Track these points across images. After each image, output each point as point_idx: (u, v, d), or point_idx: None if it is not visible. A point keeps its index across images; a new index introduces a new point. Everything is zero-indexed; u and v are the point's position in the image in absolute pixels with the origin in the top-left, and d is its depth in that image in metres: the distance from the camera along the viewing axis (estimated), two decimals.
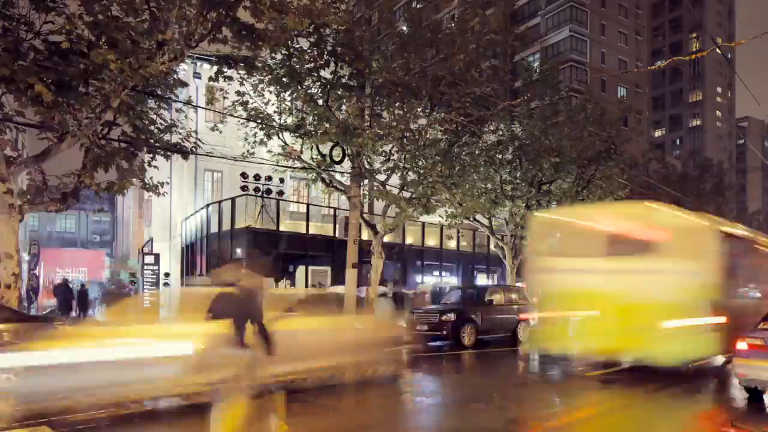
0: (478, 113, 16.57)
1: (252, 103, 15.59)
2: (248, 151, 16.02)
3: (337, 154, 16.09)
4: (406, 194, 16.75)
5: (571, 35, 49.64)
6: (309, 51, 14.68)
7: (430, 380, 10.83)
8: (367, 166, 16.77)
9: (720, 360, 10.77)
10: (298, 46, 14.59)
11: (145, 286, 20.58)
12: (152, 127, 12.17)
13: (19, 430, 5.94)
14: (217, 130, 16.57)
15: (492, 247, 24.63)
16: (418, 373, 11.01)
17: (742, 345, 7.55)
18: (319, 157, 16.22)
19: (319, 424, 6.83)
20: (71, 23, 9.44)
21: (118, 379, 6.45)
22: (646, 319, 8.78)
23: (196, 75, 24.35)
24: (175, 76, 12.37)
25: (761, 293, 11.57)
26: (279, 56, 14.48)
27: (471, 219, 21.42)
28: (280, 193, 20.48)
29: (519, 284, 20.54)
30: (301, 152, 16.43)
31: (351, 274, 16.53)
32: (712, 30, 73.54)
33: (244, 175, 19.52)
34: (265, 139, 16.11)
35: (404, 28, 16.37)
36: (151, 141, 12.17)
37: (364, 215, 17.96)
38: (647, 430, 7.15)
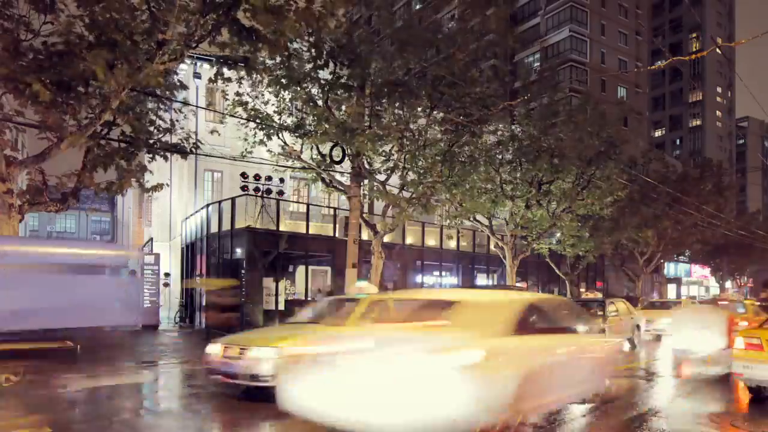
0: (478, 113, 16.57)
1: (251, 104, 15.59)
2: (247, 150, 16.03)
3: (337, 154, 16.09)
4: (406, 194, 16.75)
5: (571, 35, 49.65)
6: (308, 51, 14.69)
7: None
8: (367, 166, 16.77)
9: None
10: (296, 46, 14.58)
11: (145, 286, 20.52)
12: (152, 128, 12.19)
13: (21, 430, 5.95)
14: (217, 131, 16.57)
15: (492, 247, 24.63)
16: None
17: None
18: (319, 157, 16.22)
19: None
20: (71, 25, 9.44)
21: None
22: None
23: (196, 75, 24.35)
24: (174, 77, 12.39)
25: None
26: (278, 57, 14.47)
27: (471, 219, 21.41)
28: (280, 193, 20.46)
29: (519, 284, 20.55)
30: (301, 152, 16.43)
31: (351, 274, 16.54)
32: (712, 30, 73.56)
33: (244, 175, 19.52)
34: (265, 139, 16.12)
35: (403, 29, 16.36)
36: (151, 141, 12.20)
37: (364, 215, 17.96)
38: None
